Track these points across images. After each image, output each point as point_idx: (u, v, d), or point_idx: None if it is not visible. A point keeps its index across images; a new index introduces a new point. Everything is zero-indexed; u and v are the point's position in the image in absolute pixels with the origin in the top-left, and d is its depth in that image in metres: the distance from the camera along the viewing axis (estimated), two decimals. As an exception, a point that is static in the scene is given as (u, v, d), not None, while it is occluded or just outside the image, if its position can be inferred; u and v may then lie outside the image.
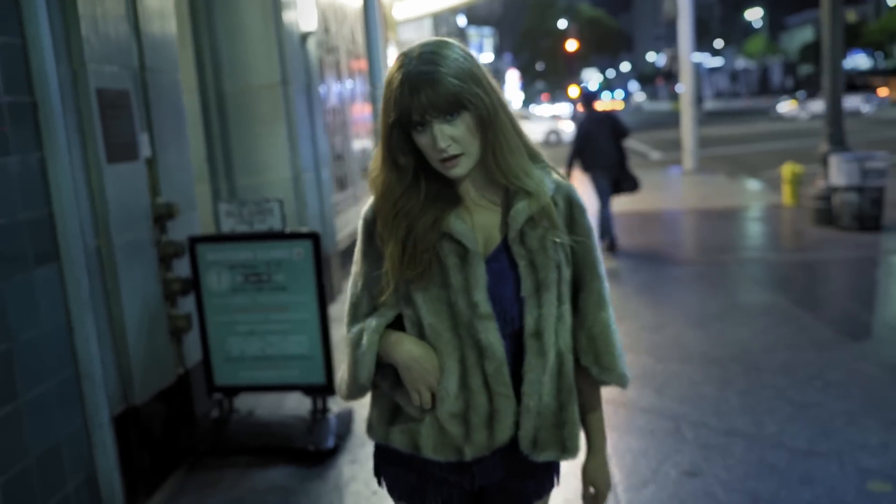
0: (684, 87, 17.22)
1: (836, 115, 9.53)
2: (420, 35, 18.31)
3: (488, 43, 50.66)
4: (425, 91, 1.52)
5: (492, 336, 1.63)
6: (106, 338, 3.47)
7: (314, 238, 3.95)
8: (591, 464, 1.82)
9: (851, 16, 55.80)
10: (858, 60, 53.77)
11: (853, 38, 49.96)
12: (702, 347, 5.32)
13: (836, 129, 9.47)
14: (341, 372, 1.77)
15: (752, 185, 13.99)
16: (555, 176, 1.72)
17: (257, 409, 4.46)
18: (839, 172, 9.06)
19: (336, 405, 4.35)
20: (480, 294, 1.62)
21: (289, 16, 6.41)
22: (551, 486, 1.83)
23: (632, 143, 26.46)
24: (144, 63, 3.83)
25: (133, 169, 3.67)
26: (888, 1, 51.72)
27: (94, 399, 3.31)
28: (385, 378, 1.72)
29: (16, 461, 2.85)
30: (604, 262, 1.75)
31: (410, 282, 1.65)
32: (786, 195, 11.44)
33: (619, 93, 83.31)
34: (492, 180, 1.66)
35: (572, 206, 1.71)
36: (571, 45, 38.49)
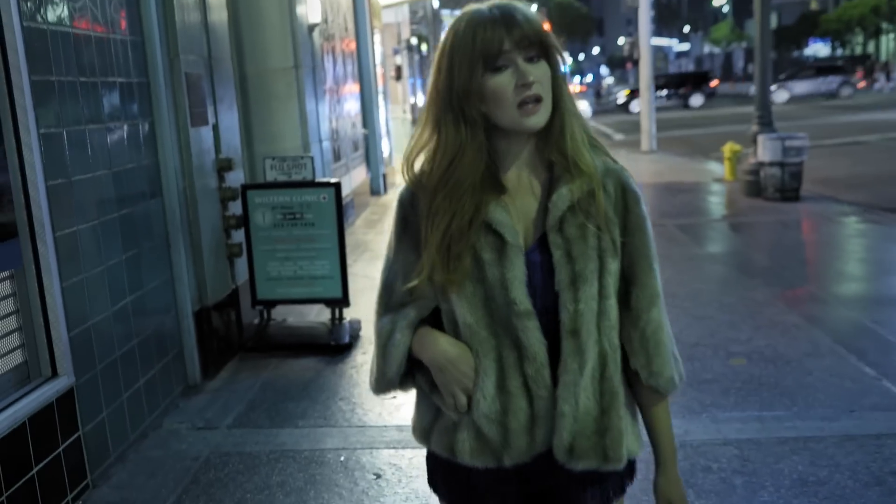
0: (643, 72, 18.59)
1: (764, 100, 10.97)
2: (399, 19, 19.56)
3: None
4: (518, 26, 1.44)
5: (532, 336, 1.50)
6: (189, 255, 4.76)
7: (336, 186, 5.26)
8: (662, 479, 1.64)
9: (814, 3, 57.65)
10: (818, 48, 55.57)
11: (812, 28, 51.77)
12: (633, 283, 6.70)
13: (765, 113, 10.90)
14: (370, 363, 1.69)
15: (704, 163, 15.45)
16: (605, 159, 1.58)
17: (289, 317, 5.79)
18: (765, 150, 10.48)
19: (348, 315, 5.69)
20: (518, 290, 1.49)
21: (300, 9, 7.66)
22: (621, 490, 1.66)
23: (597, 126, 27.89)
24: (211, 52, 5.11)
25: (206, 132, 4.95)
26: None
27: (182, 296, 4.62)
28: (425, 377, 1.62)
29: (144, 331, 4.16)
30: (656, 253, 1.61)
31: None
32: (727, 171, 12.88)
33: (589, 77, 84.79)
34: (539, 158, 1.54)
35: (626, 193, 1.55)
36: (542, 29, 39.69)
